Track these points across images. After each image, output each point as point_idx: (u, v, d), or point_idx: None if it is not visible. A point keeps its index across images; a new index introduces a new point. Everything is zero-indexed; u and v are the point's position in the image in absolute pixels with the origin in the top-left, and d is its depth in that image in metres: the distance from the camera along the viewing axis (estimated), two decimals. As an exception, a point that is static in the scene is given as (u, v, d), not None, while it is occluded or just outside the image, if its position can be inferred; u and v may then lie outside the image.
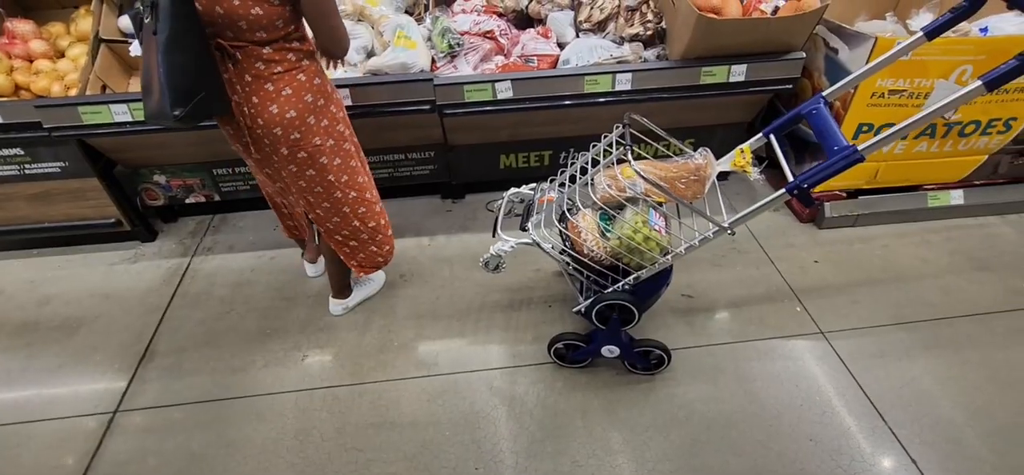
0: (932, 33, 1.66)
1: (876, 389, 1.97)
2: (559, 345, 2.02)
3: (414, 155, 2.77)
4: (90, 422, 1.94)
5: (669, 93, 2.42)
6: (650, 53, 2.46)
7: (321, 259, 2.49)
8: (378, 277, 2.46)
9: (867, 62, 2.21)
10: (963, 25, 2.44)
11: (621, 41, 2.50)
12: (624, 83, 2.37)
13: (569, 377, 2.04)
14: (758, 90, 2.45)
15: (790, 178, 1.68)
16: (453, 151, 2.74)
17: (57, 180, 2.43)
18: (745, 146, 1.92)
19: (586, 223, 1.92)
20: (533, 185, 2.04)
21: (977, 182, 2.69)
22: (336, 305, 2.33)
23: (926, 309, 2.26)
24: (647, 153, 2.22)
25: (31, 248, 2.71)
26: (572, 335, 1.99)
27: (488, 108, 2.37)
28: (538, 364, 2.09)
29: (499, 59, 2.52)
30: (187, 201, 2.76)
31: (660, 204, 1.92)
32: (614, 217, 1.89)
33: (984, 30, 2.43)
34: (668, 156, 1.96)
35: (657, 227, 1.84)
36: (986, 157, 2.58)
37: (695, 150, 1.86)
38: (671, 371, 2.05)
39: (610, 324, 1.92)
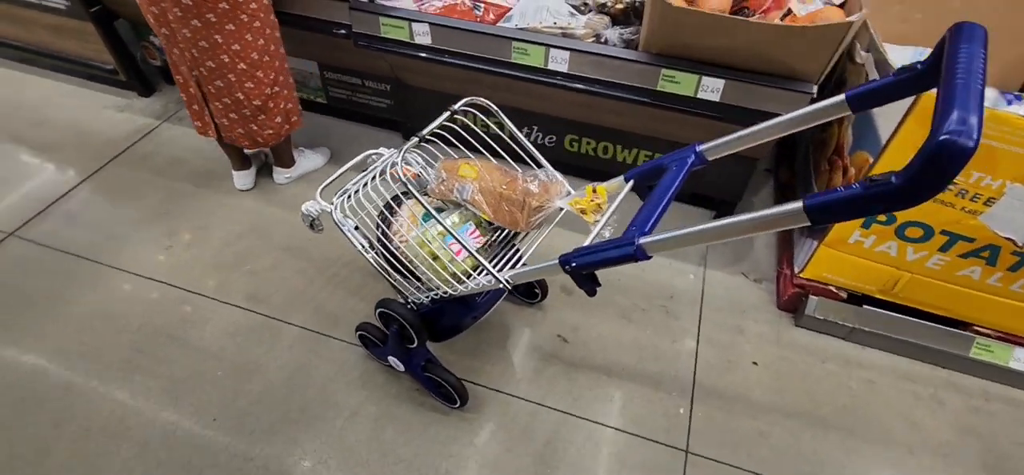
0: (859, 100, 1.11)
1: (698, 554, 1.53)
2: (363, 332, 1.88)
3: (370, 84, 2.69)
4: (-13, 235, 2.30)
5: (617, 91, 1.98)
6: (616, 32, 2.02)
7: (250, 171, 2.57)
8: (322, 153, 2.72)
9: (899, 123, 1.59)
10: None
11: (585, 8, 2.08)
12: (560, 62, 2.00)
13: (371, 371, 1.91)
14: (740, 120, 1.90)
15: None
16: (406, 90, 2.60)
17: (63, 17, 2.80)
18: (599, 186, 1.52)
19: (407, 212, 1.73)
20: (394, 150, 1.85)
21: (1067, 351, 1.85)
22: (279, 174, 2.59)
23: (858, 489, 1.67)
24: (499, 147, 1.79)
25: (53, 71, 3.19)
26: (376, 328, 1.84)
27: (405, 50, 2.17)
28: (352, 343, 1.97)
29: (457, -4, 2.27)
30: (179, 68, 3.01)
31: (489, 222, 1.63)
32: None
33: None
34: (526, 165, 1.65)
35: (459, 247, 1.58)
36: (1087, 320, 1.75)
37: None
38: (477, 413, 1.81)
39: (391, 336, 1.73)
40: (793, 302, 2.09)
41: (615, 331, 2.05)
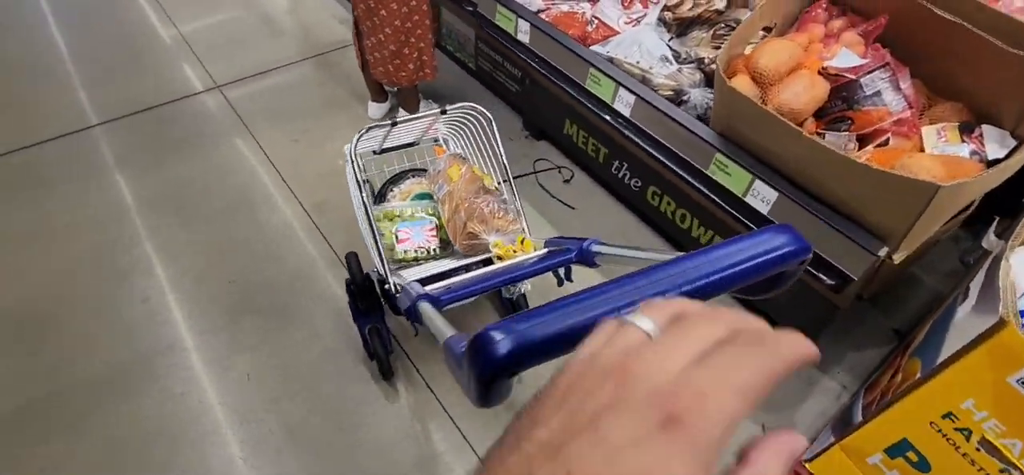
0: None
1: None
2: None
3: (507, 66, 2.77)
4: (189, 87, 3.05)
5: (668, 157, 1.75)
6: (702, 93, 1.77)
7: (384, 105, 2.92)
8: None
9: (967, 347, 1.16)
10: None
11: (686, 58, 1.85)
12: (624, 105, 1.84)
13: (349, 314, 2.08)
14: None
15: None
16: (531, 82, 2.63)
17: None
18: (528, 241, 1.41)
19: (407, 188, 1.85)
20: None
21: None
22: (402, 117, 2.88)
23: None
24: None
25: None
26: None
27: (507, 43, 2.21)
28: (353, 281, 2.17)
29: (585, 6, 2.21)
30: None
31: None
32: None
33: None
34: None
35: (409, 237, 1.65)
36: None
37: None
38: (400, 395, 1.90)
39: (347, 286, 1.87)
40: None
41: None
